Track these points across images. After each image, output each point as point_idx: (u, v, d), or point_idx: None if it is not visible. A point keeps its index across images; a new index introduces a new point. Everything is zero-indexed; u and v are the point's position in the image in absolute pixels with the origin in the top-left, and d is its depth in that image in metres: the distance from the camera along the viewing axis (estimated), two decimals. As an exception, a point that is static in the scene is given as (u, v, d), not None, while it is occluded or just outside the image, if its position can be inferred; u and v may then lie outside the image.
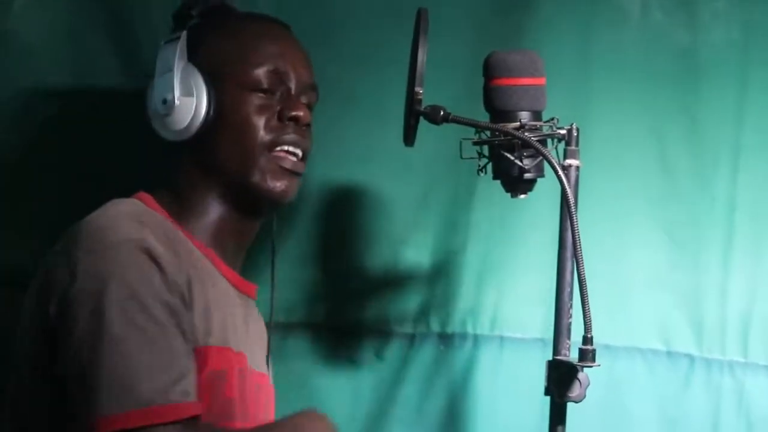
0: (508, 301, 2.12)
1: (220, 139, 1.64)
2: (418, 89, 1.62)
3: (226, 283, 1.68)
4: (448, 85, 1.94)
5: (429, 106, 1.63)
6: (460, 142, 1.69)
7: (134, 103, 1.75)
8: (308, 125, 1.71)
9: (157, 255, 1.48)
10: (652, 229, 2.11)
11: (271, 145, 1.66)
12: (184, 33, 1.63)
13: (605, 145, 2.06)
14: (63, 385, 1.46)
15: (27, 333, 1.54)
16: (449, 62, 2.01)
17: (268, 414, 1.76)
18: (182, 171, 1.67)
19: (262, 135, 1.65)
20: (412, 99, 1.63)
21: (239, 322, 1.68)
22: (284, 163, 1.67)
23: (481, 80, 1.72)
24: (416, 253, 2.12)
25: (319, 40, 2.04)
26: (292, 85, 1.70)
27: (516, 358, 2.11)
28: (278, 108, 1.67)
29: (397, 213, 2.12)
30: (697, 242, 2.11)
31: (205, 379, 1.53)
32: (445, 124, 1.65)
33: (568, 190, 1.54)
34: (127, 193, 1.68)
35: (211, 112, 1.62)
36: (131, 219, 1.54)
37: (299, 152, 1.70)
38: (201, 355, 1.54)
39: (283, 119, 1.67)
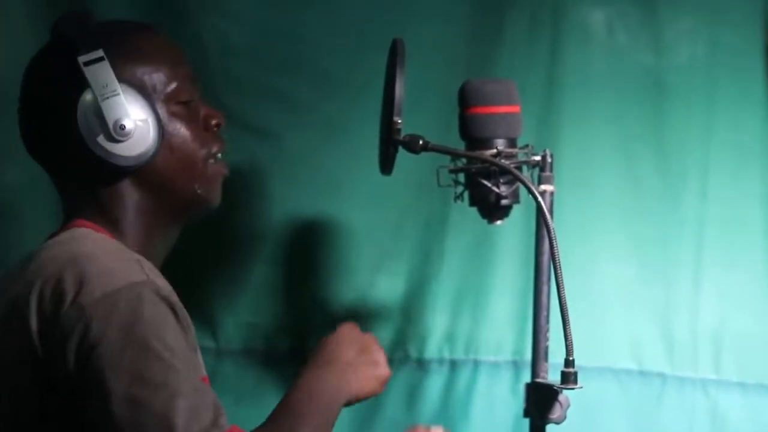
0: (481, 326, 2.13)
1: (164, 160, 1.53)
2: (397, 119, 1.62)
3: None
4: (419, 114, 1.92)
5: (407, 135, 1.63)
6: (437, 170, 1.69)
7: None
8: None
9: (166, 295, 1.42)
10: (622, 248, 2.13)
11: (207, 156, 1.57)
12: (101, 50, 1.46)
13: (575, 165, 2.07)
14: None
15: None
16: (421, 91, 2.01)
17: None
18: (119, 195, 1.54)
19: (198, 148, 1.56)
20: (390, 129, 1.63)
21: None
22: (225, 173, 1.60)
23: (453, 109, 1.73)
24: (391, 280, 2.12)
25: (291, 69, 2.05)
26: (199, 87, 1.61)
27: (490, 381, 2.13)
28: (202, 116, 1.58)
29: (371, 241, 2.12)
30: (668, 260, 2.12)
31: None
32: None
33: (548, 216, 1.55)
34: None
35: (160, 133, 1.51)
36: (125, 257, 1.46)
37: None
38: None
39: (209, 128, 1.58)
